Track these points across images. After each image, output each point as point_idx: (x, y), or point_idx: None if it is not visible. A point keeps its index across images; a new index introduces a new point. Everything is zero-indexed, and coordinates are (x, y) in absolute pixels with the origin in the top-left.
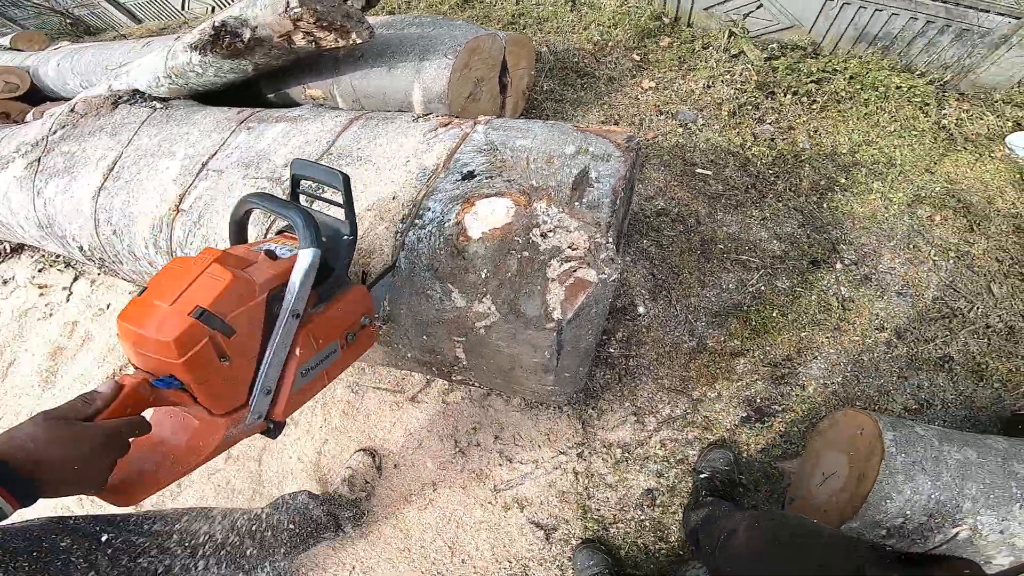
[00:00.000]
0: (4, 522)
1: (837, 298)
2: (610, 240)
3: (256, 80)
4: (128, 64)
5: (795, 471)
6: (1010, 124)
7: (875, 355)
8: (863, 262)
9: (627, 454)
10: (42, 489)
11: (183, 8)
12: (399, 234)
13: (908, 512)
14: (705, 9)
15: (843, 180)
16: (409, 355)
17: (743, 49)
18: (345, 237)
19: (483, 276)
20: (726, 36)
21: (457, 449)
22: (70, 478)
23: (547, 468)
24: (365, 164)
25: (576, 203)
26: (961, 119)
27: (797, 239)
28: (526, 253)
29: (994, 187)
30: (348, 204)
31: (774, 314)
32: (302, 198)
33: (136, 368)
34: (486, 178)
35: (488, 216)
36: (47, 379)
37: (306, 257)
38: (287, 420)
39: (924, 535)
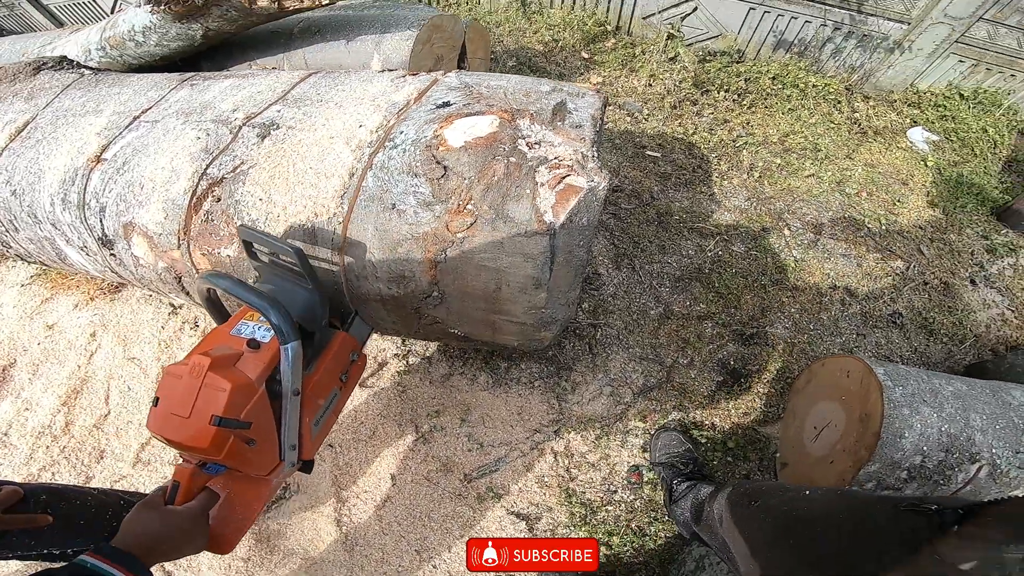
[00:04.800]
0: None
1: (790, 259)
2: (595, 155)
3: (196, 58)
4: (54, 44)
5: (779, 435)
6: (908, 120)
7: (833, 313)
8: (807, 229)
9: (606, 429)
10: (157, 561)
11: (113, 11)
12: (366, 156)
13: (925, 448)
14: (644, 18)
15: (778, 162)
16: (373, 290)
17: (679, 52)
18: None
19: (466, 181)
20: (664, 39)
21: (418, 435)
22: (180, 548)
23: (522, 450)
24: (326, 104)
25: (559, 123)
26: (869, 115)
27: (746, 210)
28: (513, 159)
29: (905, 171)
30: (310, 275)
31: (735, 276)
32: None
33: (185, 460)
34: (464, 104)
35: (470, 129)
36: None
37: (289, 351)
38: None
39: (945, 474)
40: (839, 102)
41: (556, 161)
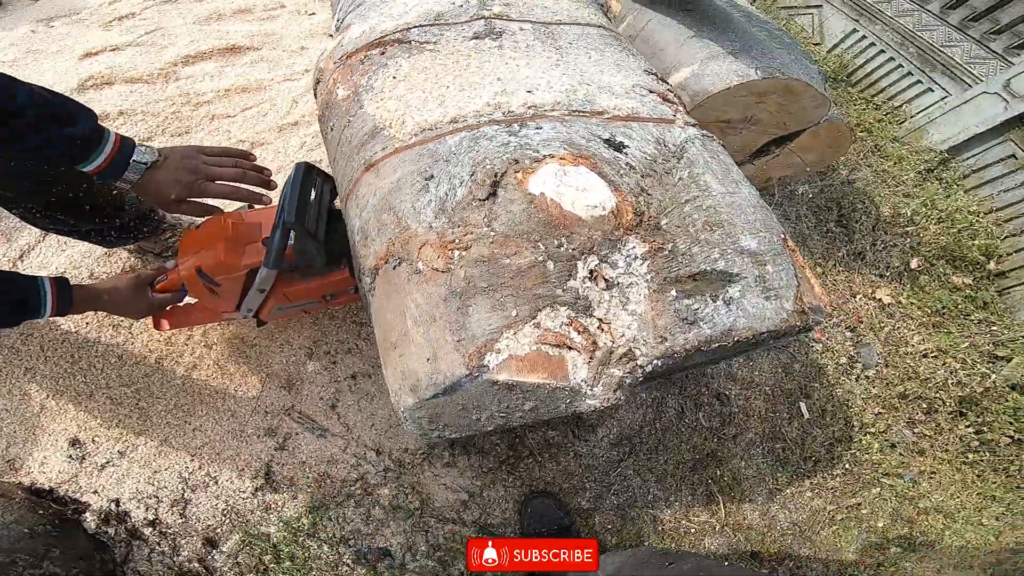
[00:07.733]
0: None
1: None
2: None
3: None
4: None
5: None
6: None
7: None
8: None
9: None
10: (100, 304)
11: None
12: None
13: None
14: None
15: None
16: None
17: None
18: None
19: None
20: None
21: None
22: (122, 306)
23: None
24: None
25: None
26: None
27: None
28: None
29: None
30: (314, 232)
31: None
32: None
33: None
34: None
35: (582, 193)
36: None
37: (263, 273)
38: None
39: None
40: None
41: (598, 329)
